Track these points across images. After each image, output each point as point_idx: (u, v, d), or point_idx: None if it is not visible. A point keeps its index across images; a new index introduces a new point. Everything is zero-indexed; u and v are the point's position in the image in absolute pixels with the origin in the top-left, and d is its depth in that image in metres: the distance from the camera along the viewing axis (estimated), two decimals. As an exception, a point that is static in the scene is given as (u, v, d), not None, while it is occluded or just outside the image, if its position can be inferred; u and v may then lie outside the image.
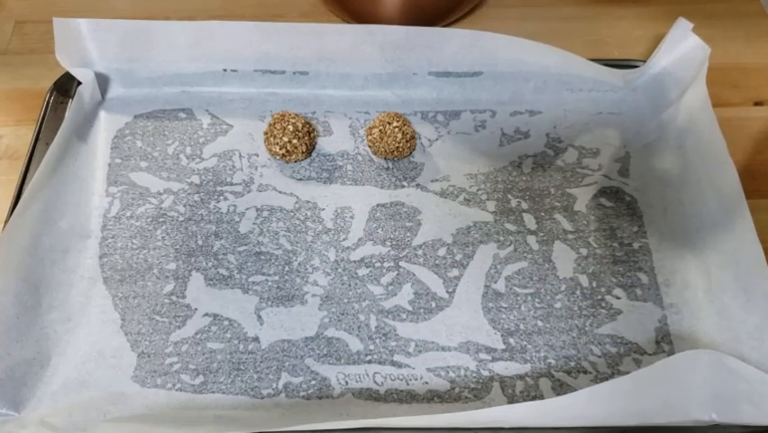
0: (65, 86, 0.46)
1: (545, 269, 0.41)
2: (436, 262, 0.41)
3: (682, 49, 0.45)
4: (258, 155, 0.45)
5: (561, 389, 0.37)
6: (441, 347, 0.38)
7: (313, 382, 0.37)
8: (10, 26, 0.52)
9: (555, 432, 0.33)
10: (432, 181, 0.44)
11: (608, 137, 0.46)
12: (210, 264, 0.40)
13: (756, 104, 0.50)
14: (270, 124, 0.44)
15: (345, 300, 0.39)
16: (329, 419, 0.34)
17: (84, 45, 0.45)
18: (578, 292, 0.40)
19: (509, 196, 0.44)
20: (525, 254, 0.41)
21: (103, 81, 0.46)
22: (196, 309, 0.39)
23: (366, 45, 0.45)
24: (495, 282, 0.40)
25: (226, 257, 0.40)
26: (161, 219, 0.42)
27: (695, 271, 0.40)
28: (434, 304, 0.39)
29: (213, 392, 0.36)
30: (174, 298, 0.39)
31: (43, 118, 0.44)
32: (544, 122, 0.47)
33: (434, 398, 0.36)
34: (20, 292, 0.37)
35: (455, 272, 0.40)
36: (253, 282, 0.40)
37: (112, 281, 0.39)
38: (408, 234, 0.42)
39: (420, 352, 0.38)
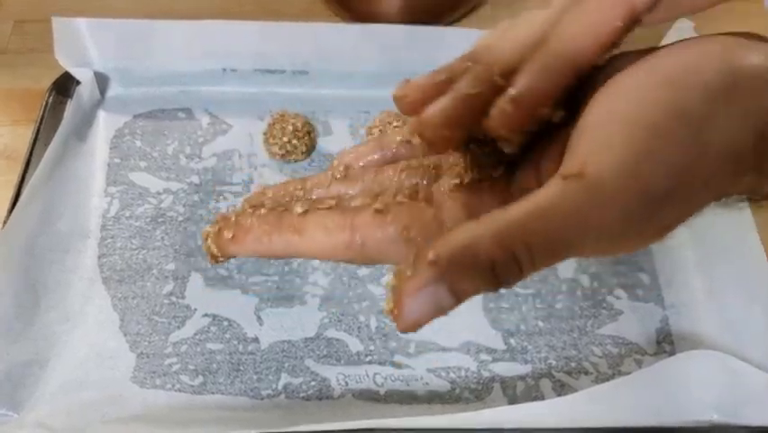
0: (64, 85, 0.45)
1: (546, 269, 0.40)
2: (437, 262, 0.41)
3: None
4: (257, 155, 0.45)
5: (562, 389, 0.36)
6: (441, 348, 0.38)
7: (313, 383, 0.36)
8: (9, 25, 0.52)
9: (556, 433, 0.33)
10: (432, 181, 0.44)
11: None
12: (209, 265, 0.40)
13: (757, 103, 0.50)
14: (270, 125, 0.44)
15: (345, 301, 0.39)
16: (329, 419, 0.33)
17: (83, 44, 0.44)
18: (579, 293, 0.40)
19: (510, 196, 0.43)
20: (525, 254, 0.41)
21: (102, 80, 0.46)
22: (195, 310, 0.38)
23: (366, 45, 0.45)
24: (495, 283, 0.40)
25: (226, 257, 0.40)
26: (160, 219, 0.42)
27: (696, 271, 0.40)
28: (434, 304, 0.39)
29: (212, 393, 0.36)
30: (173, 298, 0.39)
31: (42, 118, 0.44)
32: (545, 121, 0.47)
33: (434, 399, 0.36)
34: (19, 292, 0.37)
35: (456, 273, 0.40)
36: (253, 283, 0.39)
37: (111, 282, 0.39)
38: (408, 235, 0.42)
39: (420, 352, 0.37)
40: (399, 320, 0.17)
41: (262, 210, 0.22)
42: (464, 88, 0.20)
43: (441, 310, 0.17)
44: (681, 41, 0.19)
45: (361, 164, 0.24)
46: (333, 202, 0.22)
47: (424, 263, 0.17)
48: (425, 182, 0.23)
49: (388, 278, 0.40)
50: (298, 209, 0.21)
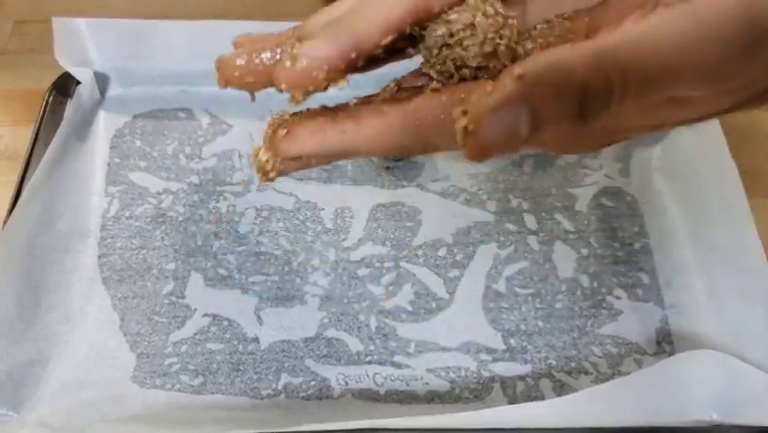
0: (64, 85, 0.45)
1: (546, 269, 0.41)
2: (437, 262, 0.41)
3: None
4: (257, 155, 0.45)
5: (561, 389, 0.37)
6: (441, 348, 0.38)
7: (313, 383, 0.36)
8: (9, 26, 0.52)
9: (556, 433, 0.33)
10: (432, 181, 0.44)
11: (608, 137, 0.46)
12: (209, 264, 0.40)
13: (757, 103, 0.50)
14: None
15: (345, 301, 0.39)
16: (329, 419, 0.33)
17: (83, 44, 0.44)
18: (579, 293, 0.40)
19: (510, 196, 0.43)
20: (525, 254, 0.41)
21: (102, 80, 0.46)
22: (195, 310, 0.39)
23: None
24: (495, 283, 0.40)
25: (226, 257, 0.40)
26: (160, 219, 0.42)
27: (696, 271, 0.40)
28: (434, 304, 0.39)
29: (212, 393, 0.36)
30: (173, 298, 0.39)
31: (42, 118, 0.44)
32: (545, 121, 0.47)
33: (434, 398, 0.36)
34: (20, 293, 0.37)
35: (456, 273, 0.40)
36: (253, 283, 0.40)
37: (111, 282, 0.39)
38: (409, 235, 0.42)
39: (420, 352, 0.38)
40: (473, 141, 0.16)
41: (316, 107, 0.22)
42: (264, 44, 0.22)
43: (516, 138, 0.16)
44: None
45: None
46: (387, 93, 0.22)
47: (508, 79, 0.16)
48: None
49: (389, 276, 0.40)
50: (353, 101, 0.22)
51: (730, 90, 0.19)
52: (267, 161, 0.22)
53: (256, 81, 0.22)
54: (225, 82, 0.23)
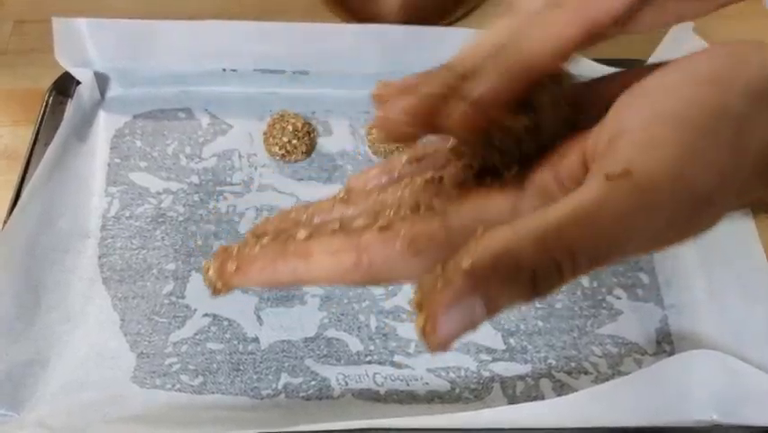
0: (64, 85, 0.45)
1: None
2: (436, 262, 0.41)
3: (683, 49, 0.45)
4: (257, 155, 0.45)
5: (561, 389, 0.37)
6: (441, 348, 0.38)
7: (313, 383, 0.36)
8: (9, 25, 0.52)
9: (556, 433, 0.33)
10: (432, 181, 0.44)
11: (608, 137, 0.46)
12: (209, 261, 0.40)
13: (757, 103, 0.50)
14: (270, 125, 0.44)
15: (345, 301, 0.39)
16: (329, 419, 0.33)
17: (83, 45, 0.44)
18: (579, 292, 0.40)
19: (510, 196, 0.43)
20: (525, 254, 0.41)
21: (102, 81, 0.46)
22: (195, 310, 0.39)
23: (366, 45, 0.45)
24: (495, 282, 0.40)
25: (226, 257, 0.40)
26: (161, 219, 0.42)
27: (696, 271, 0.40)
28: (434, 304, 0.39)
29: (212, 393, 0.36)
30: (173, 298, 0.39)
31: (42, 118, 0.44)
32: (545, 121, 0.47)
33: (434, 398, 0.36)
34: (20, 293, 0.37)
35: (455, 273, 0.40)
36: (253, 283, 0.39)
37: (111, 282, 0.39)
38: (408, 235, 0.42)
39: (420, 352, 0.37)
40: (433, 339, 0.16)
41: (265, 240, 0.21)
42: (427, 89, 0.21)
43: (473, 325, 0.16)
44: (710, 47, 0.20)
45: (367, 188, 0.24)
46: (336, 225, 0.21)
47: (457, 273, 0.16)
48: (426, 195, 0.23)
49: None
50: (302, 235, 0.21)
51: (676, 241, 0.19)
52: (218, 284, 0.22)
53: (424, 129, 0.21)
54: (392, 138, 0.22)
